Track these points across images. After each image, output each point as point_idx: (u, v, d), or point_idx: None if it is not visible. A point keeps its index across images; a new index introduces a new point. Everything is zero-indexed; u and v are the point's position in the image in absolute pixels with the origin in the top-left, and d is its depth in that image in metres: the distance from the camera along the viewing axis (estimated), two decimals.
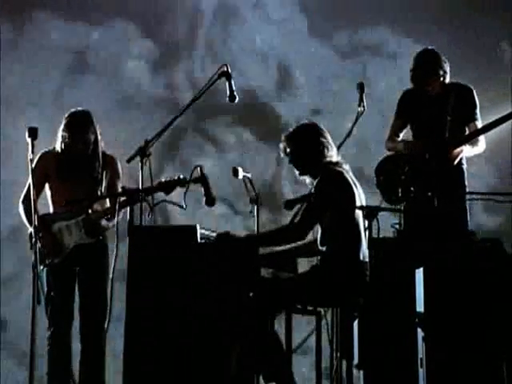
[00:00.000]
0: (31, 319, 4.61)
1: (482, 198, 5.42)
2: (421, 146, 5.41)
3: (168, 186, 4.91)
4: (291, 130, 4.97)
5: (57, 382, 5.31)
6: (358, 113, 5.26)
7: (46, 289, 5.22)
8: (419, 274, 4.40)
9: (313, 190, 4.82)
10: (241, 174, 5.32)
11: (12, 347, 7.08)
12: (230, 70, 5.04)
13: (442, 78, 5.51)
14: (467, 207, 5.36)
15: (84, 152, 5.38)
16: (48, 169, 5.38)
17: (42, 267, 5.25)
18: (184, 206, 4.85)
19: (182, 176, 4.94)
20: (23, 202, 5.31)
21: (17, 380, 6.89)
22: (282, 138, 4.97)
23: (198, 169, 4.95)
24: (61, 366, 5.31)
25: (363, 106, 5.27)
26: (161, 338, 4.61)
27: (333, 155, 4.92)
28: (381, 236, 4.69)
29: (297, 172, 4.96)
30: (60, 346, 5.31)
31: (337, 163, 4.90)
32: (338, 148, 5.18)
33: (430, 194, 5.20)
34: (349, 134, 5.20)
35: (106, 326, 5.15)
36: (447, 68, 5.53)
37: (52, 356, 5.31)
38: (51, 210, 5.43)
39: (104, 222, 5.35)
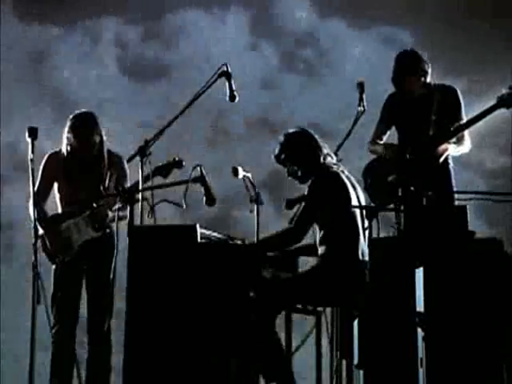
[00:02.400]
0: (31, 319, 4.62)
1: (481, 197, 5.41)
2: (395, 151, 5.44)
3: (165, 169, 4.91)
4: (281, 142, 4.95)
5: (59, 381, 5.33)
6: (358, 113, 5.26)
7: (52, 287, 5.31)
8: (419, 273, 4.40)
9: (306, 192, 4.84)
10: (241, 173, 5.33)
11: None
12: (229, 70, 5.04)
13: (422, 79, 5.53)
14: (467, 207, 5.36)
15: (89, 153, 5.39)
16: (56, 170, 5.44)
17: (53, 266, 5.33)
18: (184, 206, 4.85)
19: (177, 158, 4.94)
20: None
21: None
22: (276, 152, 4.95)
23: (198, 168, 4.95)
24: (64, 365, 5.34)
25: (363, 106, 5.27)
26: (161, 337, 4.61)
27: (326, 157, 4.92)
28: (381, 236, 4.70)
29: (297, 181, 4.96)
30: (64, 345, 5.34)
31: (331, 165, 4.90)
32: (338, 148, 5.19)
33: (430, 193, 5.20)
34: (348, 135, 5.20)
35: (106, 324, 5.19)
36: (428, 68, 5.56)
37: (55, 355, 5.34)
38: (59, 210, 5.47)
39: (110, 214, 5.37)
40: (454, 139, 5.48)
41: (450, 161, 5.55)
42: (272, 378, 4.65)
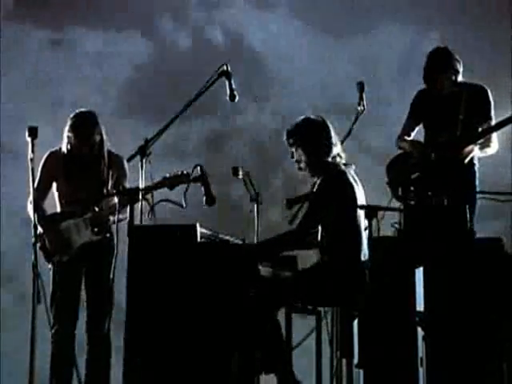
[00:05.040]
0: (31, 320, 4.61)
1: (482, 197, 5.41)
2: (422, 149, 5.41)
3: (172, 181, 4.92)
4: (298, 122, 4.90)
5: (59, 381, 5.33)
6: (358, 112, 5.25)
7: (51, 287, 5.29)
8: (419, 273, 4.40)
9: (315, 190, 4.82)
10: (241, 173, 5.33)
11: None
12: (229, 69, 5.03)
13: (453, 77, 5.49)
14: (467, 207, 5.35)
15: (90, 153, 5.40)
16: (55, 169, 5.43)
17: (49, 265, 5.32)
18: (184, 206, 4.85)
19: (185, 171, 4.95)
20: (31, 202, 5.32)
21: None
22: (289, 128, 4.89)
23: (198, 168, 4.95)
24: (63, 365, 5.34)
25: (363, 106, 5.25)
26: (161, 337, 4.61)
27: (339, 152, 4.89)
28: (381, 235, 4.70)
29: (303, 172, 4.91)
30: (64, 345, 5.34)
31: (339, 162, 4.88)
32: None
33: (429, 193, 5.19)
34: (348, 134, 5.19)
35: (107, 324, 5.19)
36: (459, 67, 5.50)
37: (55, 355, 5.34)
38: (58, 209, 5.47)
39: (112, 219, 5.37)
40: (480, 140, 5.44)
41: (476, 161, 5.51)
42: (271, 368, 4.63)
